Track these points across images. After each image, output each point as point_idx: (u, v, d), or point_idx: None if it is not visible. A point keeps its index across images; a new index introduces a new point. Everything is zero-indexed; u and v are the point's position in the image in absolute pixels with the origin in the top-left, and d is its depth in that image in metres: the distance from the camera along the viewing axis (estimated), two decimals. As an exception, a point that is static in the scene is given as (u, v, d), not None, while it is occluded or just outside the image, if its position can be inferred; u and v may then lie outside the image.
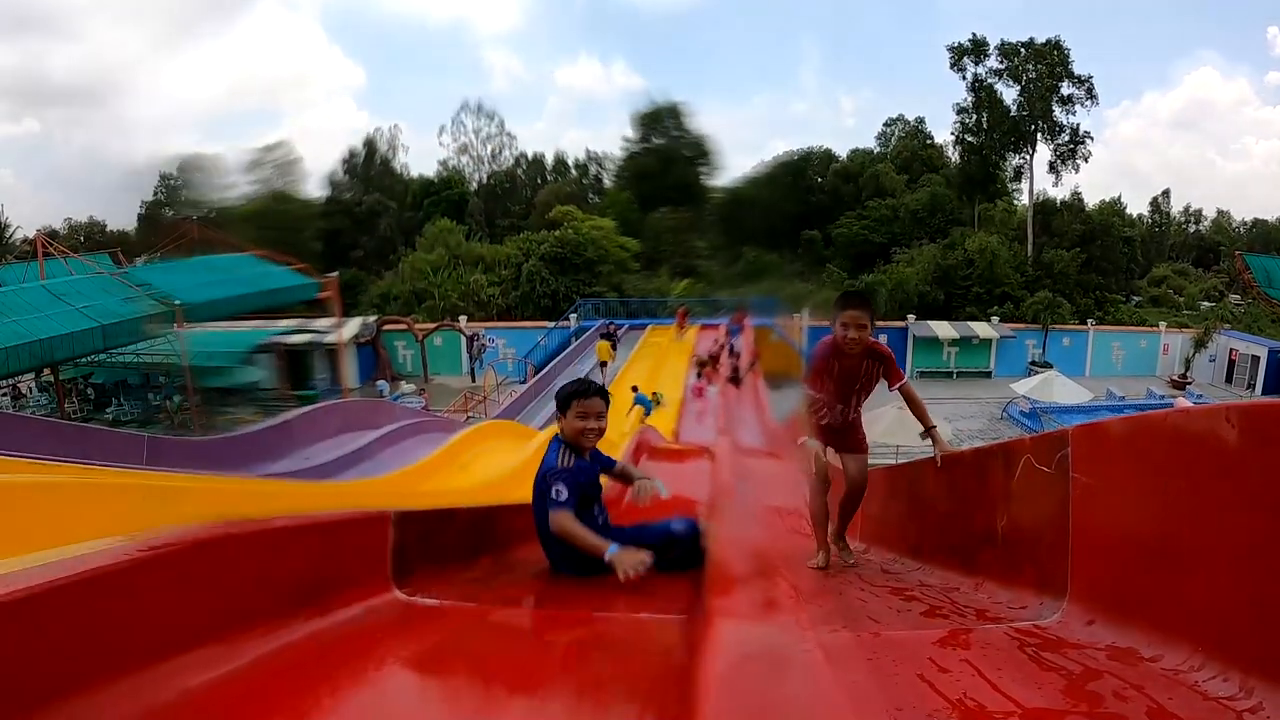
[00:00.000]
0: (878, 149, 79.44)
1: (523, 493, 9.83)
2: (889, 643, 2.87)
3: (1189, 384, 39.23)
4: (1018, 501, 3.61)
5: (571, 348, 36.52)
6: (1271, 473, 2.15)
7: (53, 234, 63.29)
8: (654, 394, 22.19)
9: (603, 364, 31.02)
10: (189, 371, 26.34)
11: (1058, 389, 30.45)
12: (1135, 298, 58.78)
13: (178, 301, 24.84)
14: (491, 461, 12.83)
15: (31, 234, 47.27)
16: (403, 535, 3.40)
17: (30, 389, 37.54)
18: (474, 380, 40.83)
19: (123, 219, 72.49)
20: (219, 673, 2.23)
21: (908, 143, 77.00)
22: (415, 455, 13.40)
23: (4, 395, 37.71)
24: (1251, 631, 2.16)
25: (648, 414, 20.02)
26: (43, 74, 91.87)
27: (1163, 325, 46.31)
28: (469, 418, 30.74)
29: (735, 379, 26.02)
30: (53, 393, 32.12)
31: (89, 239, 65.42)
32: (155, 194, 69.01)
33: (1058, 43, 55.92)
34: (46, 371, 29.94)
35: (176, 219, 40.30)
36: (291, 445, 15.02)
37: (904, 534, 5.65)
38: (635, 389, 21.87)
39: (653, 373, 28.59)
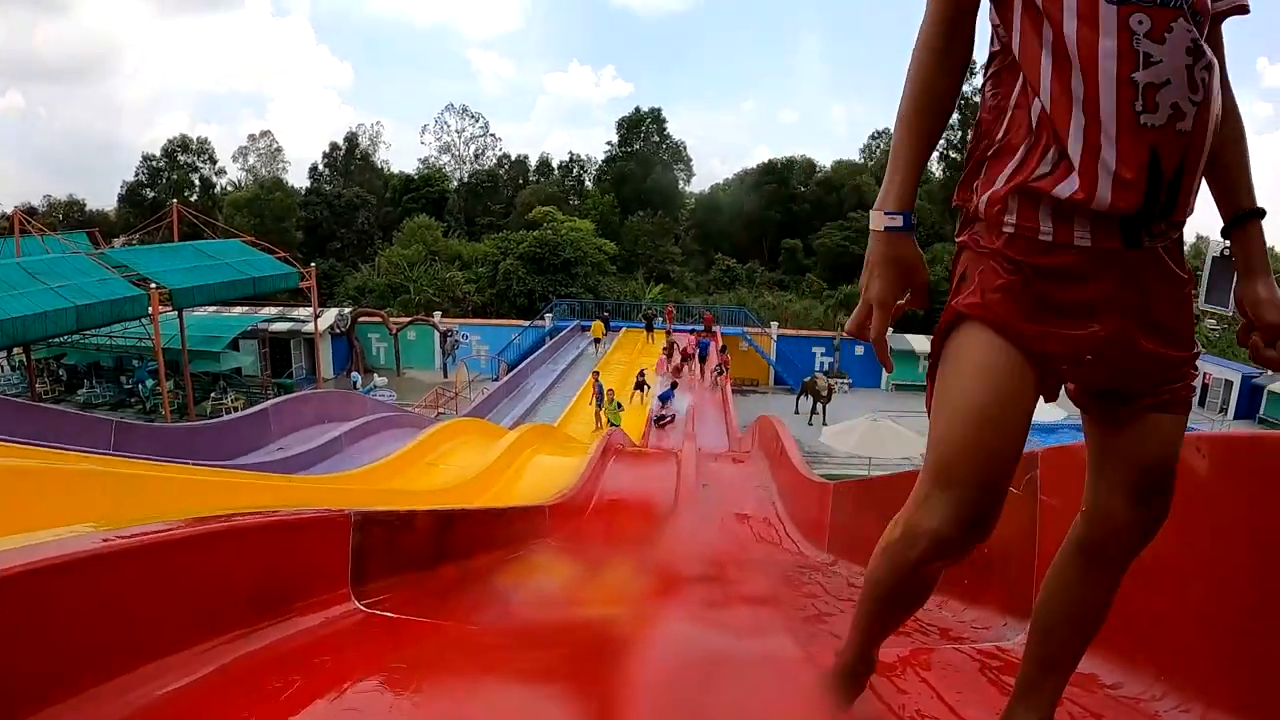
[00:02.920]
0: (862, 160, 79.80)
1: (490, 496, 9.82)
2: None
3: None
4: None
5: (546, 347, 36.50)
6: (1240, 504, 2.15)
7: (31, 211, 62.63)
8: (616, 401, 22.12)
9: (596, 340, 37.35)
10: (161, 356, 25.93)
11: (1031, 406, 30.68)
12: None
13: (154, 285, 24.51)
14: (459, 461, 12.72)
15: (9, 210, 46.60)
16: (363, 539, 3.16)
17: (2, 367, 37.36)
18: (446, 376, 40.58)
19: (103, 199, 71.87)
20: (163, 689, 1.92)
21: (893, 156, 77.20)
22: (384, 451, 13.29)
23: None
24: (1215, 663, 2.15)
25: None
26: (30, 48, 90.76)
27: None
28: (439, 414, 30.67)
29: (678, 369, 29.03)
30: (25, 372, 31.76)
31: (68, 218, 64.35)
32: (136, 175, 68.39)
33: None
34: (19, 350, 29.59)
35: (162, 202, 39.66)
36: (263, 436, 14.92)
37: (871, 549, 5.62)
38: (596, 373, 22.60)
39: (624, 376, 28.59)
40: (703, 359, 30.36)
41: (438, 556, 4.22)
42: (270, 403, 16.89)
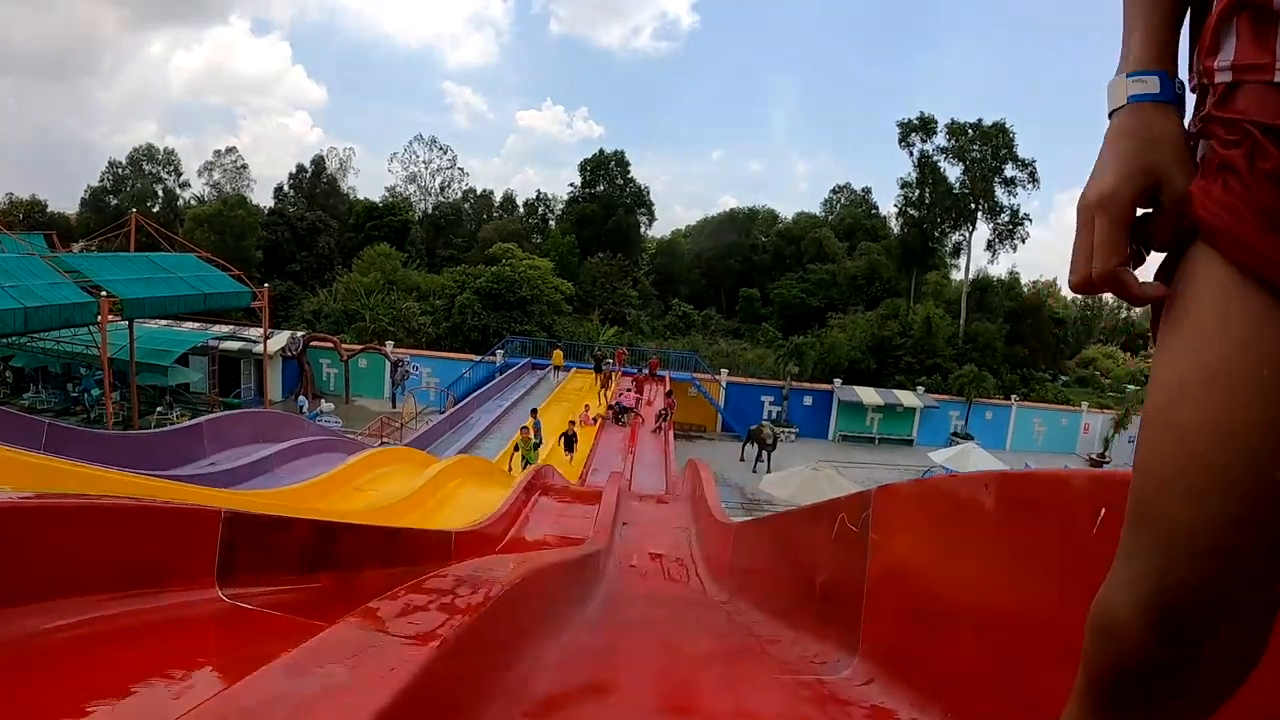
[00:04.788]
0: (822, 214, 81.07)
1: (410, 519, 9.77)
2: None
3: (1107, 463, 40.22)
4: (833, 559, 3.66)
5: (494, 382, 36.39)
6: (1019, 541, 2.20)
7: (-9, 206, 61.87)
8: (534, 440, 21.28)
9: (557, 368, 39.02)
10: (108, 365, 25.52)
11: (974, 460, 30.73)
12: (1064, 377, 60.07)
13: (104, 293, 24.18)
14: (386, 487, 12.65)
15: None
16: (233, 535, 3.26)
17: None
18: (394, 406, 40.30)
19: (65, 202, 71.24)
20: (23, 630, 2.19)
21: (851, 210, 78.76)
22: (314, 472, 13.22)
23: None
24: (996, 700, 2.19)
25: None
26: (5, 35, 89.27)
27: (1085, 405, 47.42)
28: (382, 443, 30.42)
29: (618, 419, 29.33)
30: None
31: (28, 217, 63.58)
32: (101, 180, 67.75)
33: (1003, 126, 57.23)
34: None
35: (124, 210, 39.27)
36: (196, 449, 14.82)
37: (758, 586, 5.70)
38: (534, 411, 21.93)
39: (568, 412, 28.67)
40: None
41: (315, 564, 4.23)
42: (206, 418, 16.81)
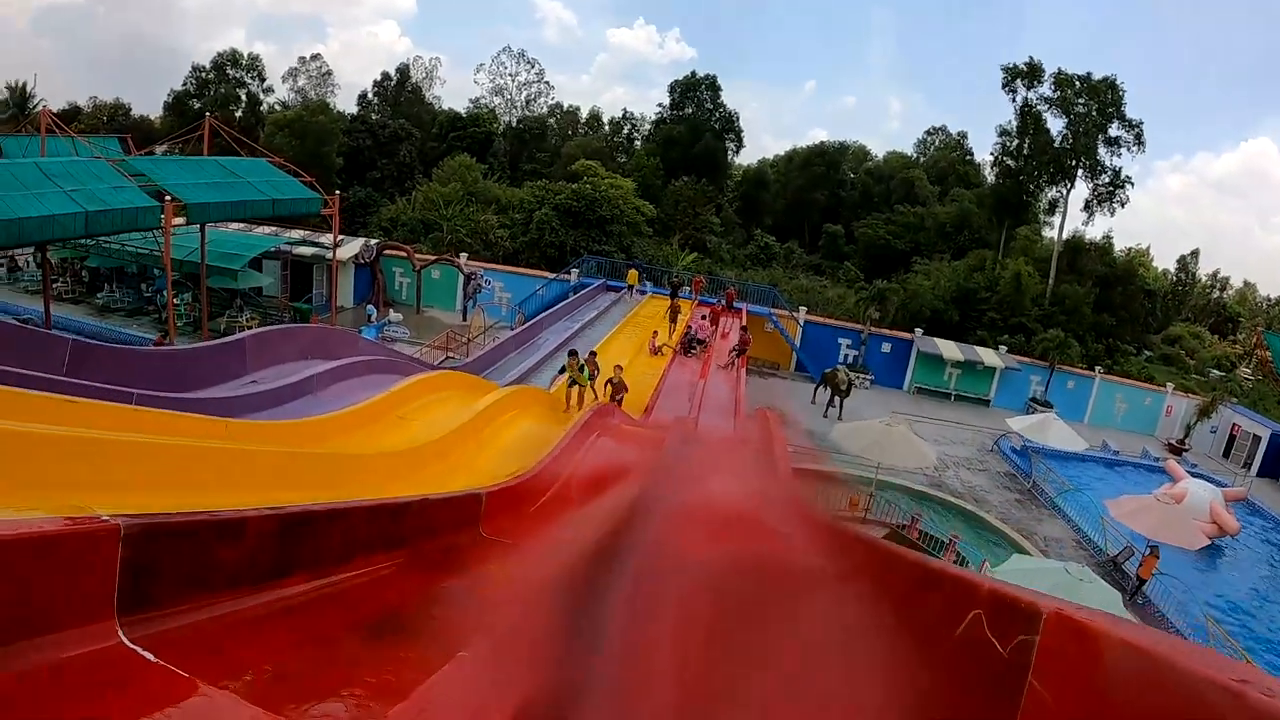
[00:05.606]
0: (914, 155, 78.32)
1: (449, 461, 8.96)
2: None
3: (1186, 450, 38.15)
4: (944, 668, 2.52)
5: (567, 301, 35.69)
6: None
7: (77, 111, 62.40)
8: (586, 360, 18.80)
9: (631, 287, 39.27)
10: (170, 269, 25.37)
11: (1054, 432, 29.30)
12: (1147, 352, 57.44)
13: (169, 197, 23.98)
14: (433, 416, 11.75)
15: (58, 106, 46.17)
16: (142, 555, 2.51)
17: (28, 262, 37.62)
18: (464, 319, 40.06)
19: (150, 106, 71.33)
20: None
21: (945, 153, 75.83)
22: (358, 396, 12.36)
23: (1, 266, 38.37)
24: None
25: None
26: None
27: (1170, 386, 44.91)
28: (448, 356, 30.06)
29: (688, 350, 28.63)
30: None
31: (111, 120, 64.37)
32: (184, 84, 67.85)
33: (1113, 82, 54.19)
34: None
35: (202, 114, 39.17)
36: (237, 367, 14.03)
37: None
38: (581, 354, 19.08)
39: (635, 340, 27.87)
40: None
41: (281, 569, 3.39)
42: (250, 333, 16.08)
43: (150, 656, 2.37)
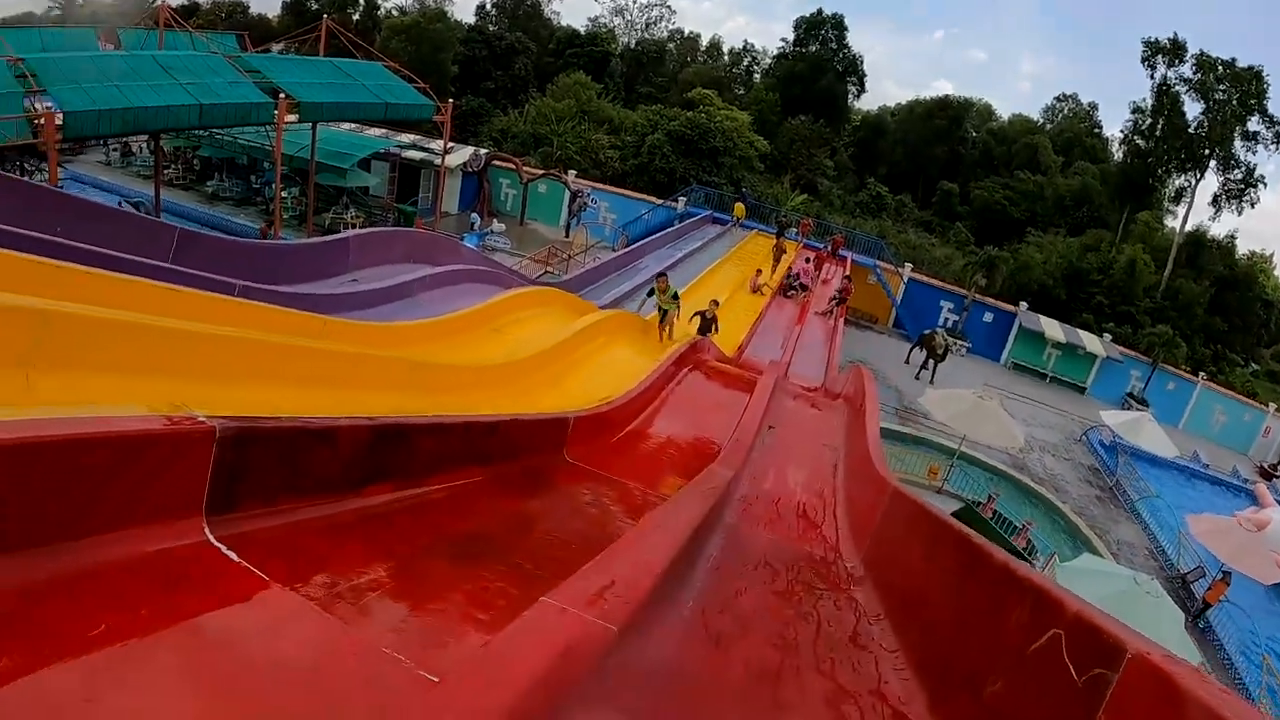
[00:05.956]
0: (1040, 120, 75.31)
1: (538, 378, 8.89)
2: None
3: (1278, 478, 36.28)
4: (1022, 679, 2.53)
5: (673, 229, 35.42)
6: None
7: (195, 7, 63.26)
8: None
9: (737, 220, 39.16)
10: (279, 164, 25.97)
11: (1147, 434, 27.91)
12: (1254, 365, 54.63)
13: (283, 95, 24.44)
14: (528, 332, 11.70)
15: (176, 2, 46.76)
16: (235, 457, 2.65)
17: (141, 149, 39.13)
18: (567, 235, 40.15)
19: (268, 5, 72.45)
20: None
21: (1073, 124, 72.58)
22: (455, 304, 12.36)
23: (115, 151, 39.98)
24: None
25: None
26: None
27: (1272, 406, 42.13)
28: (547, 271, 30.21)
29: (787, 292, 28.53)
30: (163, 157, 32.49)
31: (229, 18, 65.17)
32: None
33: (1259, 73, 50.98)
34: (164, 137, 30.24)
35: (324, 15, 39.58)
36: (339, 264, 14.16)
37: (898, 596, 4.29)
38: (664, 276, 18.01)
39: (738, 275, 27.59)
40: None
41: (369, 477, 3.49)
42: (354, 232, 16.28)
43: (233, 555, 2.53)
